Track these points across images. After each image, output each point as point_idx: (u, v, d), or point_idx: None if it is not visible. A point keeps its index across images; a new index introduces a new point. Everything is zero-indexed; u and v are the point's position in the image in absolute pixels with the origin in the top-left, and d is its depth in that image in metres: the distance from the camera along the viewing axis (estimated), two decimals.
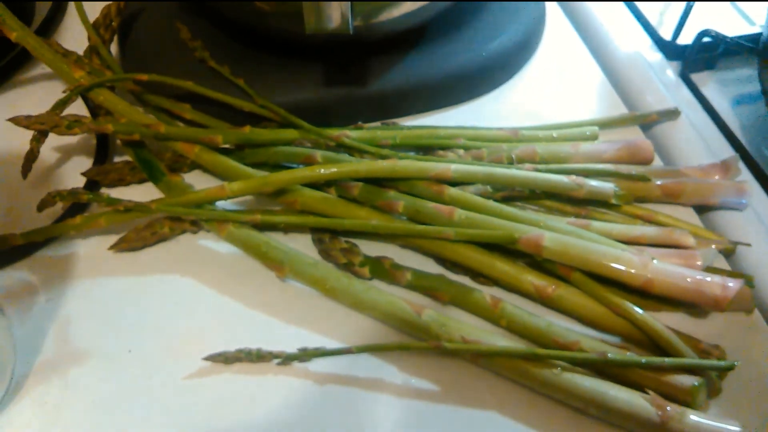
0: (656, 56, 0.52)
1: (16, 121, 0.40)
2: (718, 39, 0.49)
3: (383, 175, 0.39)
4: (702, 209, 0.43)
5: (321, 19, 0.36)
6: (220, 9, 0.45)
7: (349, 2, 0.36)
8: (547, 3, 0.54)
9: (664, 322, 0.36)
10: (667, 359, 0.34)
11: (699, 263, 0.37)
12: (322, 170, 0.39)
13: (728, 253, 0.41)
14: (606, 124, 0.46)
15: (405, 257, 0.40)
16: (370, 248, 0.40)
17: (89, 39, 0.45)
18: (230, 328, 0.38)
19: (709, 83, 0.51)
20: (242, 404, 0.35)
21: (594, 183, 0.40)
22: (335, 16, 0.36)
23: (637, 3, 0.56)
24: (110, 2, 0.46)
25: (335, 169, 0.39)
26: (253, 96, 0.43)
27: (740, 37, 0.50)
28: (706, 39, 0.50)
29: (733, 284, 0.35)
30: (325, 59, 0.46)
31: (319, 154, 0.41)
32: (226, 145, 0.42)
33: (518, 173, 0.40)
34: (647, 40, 0.53)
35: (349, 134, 0.42)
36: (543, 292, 0.37)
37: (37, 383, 0.36)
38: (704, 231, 0.41)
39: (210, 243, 0.41)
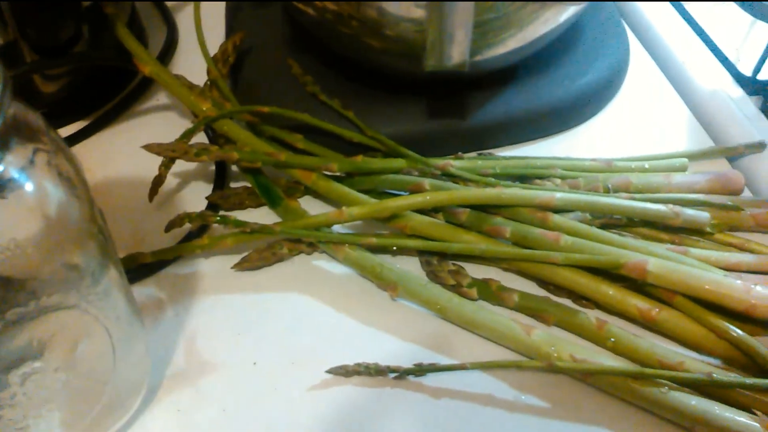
0: (737, 92, 0.54)
1: (149, 148, 0.44)
2: None
3: (490, 202, 0.42)
4: None
5: (442, 57, 0.39)
6: (330, 46, 0.49)
7: (470, 42, 0.39)
8: (630, 41, 0.56)
9: (765, 346, 0.38)
10: None
11: None
12: (434, 196, 0.41)
13: None
14: (695, 157, 0.48)
15: (508, 280, 0.42)
16: (475, 271, 0.43)
17: (208, 73, 0.49)
18: (348, 343, 0.40)
19: None
20: (361, 415, 0.38)
21: (690, 212, 0.42)
22: (456, 55, 0.39)
23: (714, 39, 0.58)
24: (227, 40, 0.50)
25: (447, 195, 0.42)
26: (363, 128, 0.46)
27: None
28: None
29: None
30: (427, 94, 0.49)
31: (426, 182, 0.44)
32: (339, 173, 0.45)
33: (618, 201, 0.42)
34: (727, 76, 0.55)
35: (453, 164, 0.45)
36: (647, 315, 0.39)
37: (170, 392, 0.39)
38: None
39: (324, 264, 0.44)
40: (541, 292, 0.42)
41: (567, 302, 0.41)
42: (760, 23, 0.58)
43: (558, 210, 0.42)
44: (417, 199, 0.42)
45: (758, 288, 0.38)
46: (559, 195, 0.42)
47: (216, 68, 0.49)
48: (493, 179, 0.44)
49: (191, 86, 0.48)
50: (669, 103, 0.53)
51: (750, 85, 0.54)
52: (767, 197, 0.46)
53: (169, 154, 0.44)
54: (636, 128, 0.52)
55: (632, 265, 0.39)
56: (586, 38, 0.53)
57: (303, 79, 0.49)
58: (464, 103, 0.49)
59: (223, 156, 0.44)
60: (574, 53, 0.52)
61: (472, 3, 0.37)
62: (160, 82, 0.46)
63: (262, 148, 0.45)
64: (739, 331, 0.37)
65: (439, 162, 0.45)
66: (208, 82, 0.49)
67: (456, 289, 0.41)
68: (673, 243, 0.43)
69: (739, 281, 0.38)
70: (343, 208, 0.42)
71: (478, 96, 0.49)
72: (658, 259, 0.39)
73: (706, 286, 0.38)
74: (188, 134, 0.45)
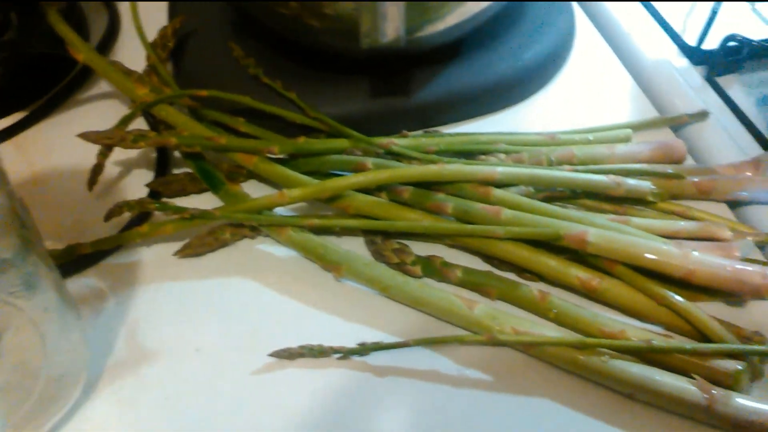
0: (682, 61, 0.54)
1: (85, 136, 0.43)
2: (744, 43, 0.52)
3: (433, 178, 0.42)
4: (734, 204, 0.45)
5: (376, 34, 0.39)
6: (271, 27, 0.48)
7: (404, 18, 0.39)
8: (576, 15, 0.56)
9: (704, 311, 0.38)
10: (710, 344, 0.36)
11: (737, 254, 0.39)
12: (376, 175, 0.41)
13: (763, 245, 0.43)
14: (638, 127, 0.48)
15: (452, 256, 0.42)
16: (420, 248, 0.42)
17: (148, 58, 0.48)
18: (291, 326, 0.40)
19: (734, 86, 0.53)
20: (306, 397, 0.37)
21: (632, 182, 0.42)
22: (390, 30, 0.39)
23: (660, 10, 0.58)
24: (168, 24, 0.49)
25: (388, 174, 0.41)
26: (306, 108, 0.45)
27: (765, 40, 0.52)
28: (731, 43, 0.52)
29: None
30: (370, 72, 0.48)
31: (369, 161, 0.43)
32: (281, 156, 0.45)
33: (560, 174, 0.42)
34: (672, 47, 0.56)
35: (397, 142, 0.44)
36: (588, 284, 0.39)
37: (111, 382, 0.38)
38: (739, 224, 0.43)
39: (268, 247, 0.43)
40: (486, 267, 0.42)
41: (511, 276, 0.41)
42: None
43: (501, 184, 0.42)
44: (358, 179, 0.41)
45: (696, 254, 0.38)
46: (500, 169, 0.41)
47: (155, 53, 0.48)
48: (436, 156, 0.44)
49: (128, 72, 0.47)
50: (615, 75, 0.53)
51: (695, 55, 0.54)
52: (710, 165, 0.46)
53: (105, 141, 0.43)
54: (582, 101, 0.52)
55: (572, 236, 0.39)
56: (531, 12, 0.53)
57: (245, 62, 0.48)
58: (408, 81, 0.48)
59: (161, 142, 0.43)
60: (518, 28, 0.51)
61: None
62: (96, 68, 0.45)
63: (202, 132, 0.44)
64: (679, 298, 0.38)
65: (383, 141, 0.44)
66: (148, 68, 0.48)
67: (400, 267, 0.41)
68: (616, 213, 0.43)
69: (677, 248, 0.38)
70: (284, 190, 0.41)
71: (422, 73, 0.49)
72: (597, 230, 0.39)
73: (646, 254, 0.38)
74: (125, 121, 0.44)
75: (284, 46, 0.50)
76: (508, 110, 0.51)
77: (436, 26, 0.46)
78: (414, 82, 0.48)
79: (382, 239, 0.42)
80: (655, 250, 0.38)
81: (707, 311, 0.38)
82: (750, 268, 0.37)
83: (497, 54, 0.50)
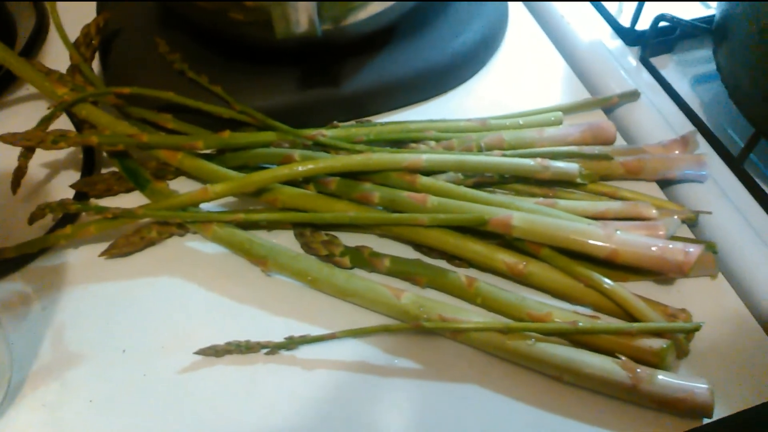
0: (616, 43, 0.54)
1: (2, 139, 0.42)
2: (675, 22, 0.52)
3: (358, 168, 0.41)
4: (665, 183, 0.45)
5: (289, 24, 0.38)
6: (196, 21, 0.47)
7: (316, 7, 0.38)
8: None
9: (632, 290, 0.38)
10: (635, 324, 0.36)
11: (662, 233, 0.39)
12: (300, 167, 0.41)
13: (691, 223, 0.43)
14: (570, 110, 0.48)
15: (384, 246, 0.42)
16: (350, 239, 0.42)
17: (71, 58, 0.47)
18: (220, 323, 0.40)
19: (668, 66, 0.53)
20: (234, 394, 0.37)
21: (559, 164, 0.42)
22: (303, 20, 0.38)
23: None
24: (90, 22, 0.48)
25: (312, 166, 0.41)
26: (231, 102, 0.44)
27: (695, 20, 0.52)
28: (663, 23, 0.52)
29: (693, 249, 0.37)
30: (299, 64, 0.48)
31: (296, 153, 0.43)
32: (208, 151, 0.44)
33: (486, 159, 0.42)
34: (607, 29, 0.56)
35: (325, 133, 0.44)
36: (515, 269, 0.39)
37: (35, 387, 0.38)
38: (667, 203, 0.43)
39: (197, 244, 0.43)
40: (417, 255, 0.41)
41: (442, 263, 0.41)
42: None
43: (428, 172, 0.42)
44: (281, 171, 0.41)
45: (620, 234, 0.38)
46: (426, 156, 0.41)
47: (78, 52, 0.47)
48: (365, 146, 0.43)
49: (48, 72, 0.45)
50: (549, 59, 0.53)
51: (629, 36, 0.55)
52: (642, 145, 0.46)
53: (23, 143, 0.42)
54: (516, 85, 0.51)
55: (497, 221, 0.39)
56: (460, 3, 0.52)
57: (171, 57, 0.47)
58: (338, 71, 0.48)
59: (82, 141, 0.42)
60: (450, 13, 0.51)
61: None
62: (11, 68, 0.44)
63: (125, 130, 0.43)
64: (604, 279, 0.38)
65: (310, 132, 0.44)
66: (71, 67, 0.47)
67: (330, 258, 0.41)
68: (546, 196, 0.43)
69: (601, 228, 0.38)
70: (207, 185, 0.41)
71: (352, 63, 0.48)
72: (522, 213, 0.39)
73: (570, 236, 0.38)
74: (44, 121, 0.43)
75: (212, 39, 0.49)
76: (441, 97, 0.51)
77: (361, 15, 0.45)
78: (344, 72, 0.48)
79: (311, 231, 0.42)
80: (578, 231, 0.38)
81: (636, 291, 0.39)
82: (672, 246, 0.37)
83: (428, 41, 0.50)
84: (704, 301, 0.39)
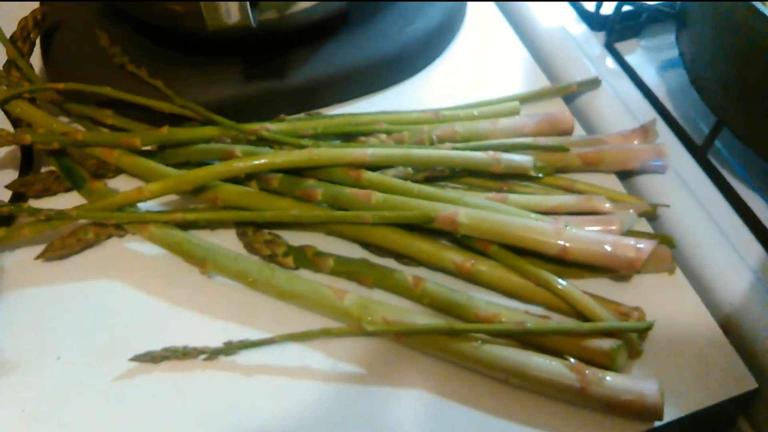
0: (581, 28, 0.53)
1: None
2: (638, 6, 0.50)
3: (300, 164, 0.39)
4: (625, 175, 0.43)
5: (220, 15, 0.37)
6: (135, 14, 0.45)
7: None
8: None
9: (587, 288, 0.37)
10: (584, 324, 0.35)
11: (615, 227, 0.37)
12: (239, 164, 0.39)
13: (651, 216, 0.41)
14: (527, 99, 0.46)
15: (332, 244, 0.40)
16: (297, 238, 0.40)
17: (7, 52, 0.45)
18: (158, 328, 0.38)
19: (634, 51, 0.51)
20: (172, 401, 0.36)
21: (512, 157, 0.41)
22: (233, 11, 0.36)
23: None
24: (28, 15, 0.46)
25: (252, 162, 0.39)
26: (172, 96, 0.43)
27: (659, 4, 0.50)
28: (627, 8, 0.51)
29: (645, 245, 0.36)
30: (244, 55, 0.46)
31: (238, 149, 0.41)
32: (148, 147, 0.42)
33: (435, 152, 0.40)
34: (573, 14, 0.54)
35: (270, 127, 0.42)
36: (462, 267, 0.37)
37: None
38: (624, 196, 0.41)
39: (137, 246, 0.41)
40: (364, 254, 0.40)
41: (390, 262, 0.39)
42: None
43: (374, 167, 0.40)
44: (220, 169, 0.39)
45: (571, 229, 0.36)
46: (371, 151, 0.39)
47: (15, 46, 0.45)
48: (311, 140, 0.42)
49: None
50: (509, 46, 0.51)
51: (594, 21, 0.53)
52: (602, 135, 0.44)
53: None
54: (474, 76, 0.49)
55: (443, 218, 0.37)
56: None
57: (111, 51, 0.45)
58: (285, 62, 0.46)
59: (14, 140, 0.40)
60: (402, 2, 0.49)
61: None
62: None
63: (61, 128, 0.42)
64: (553, 277, 0.36)
65: (254, 126, 0.42)
66: (7, 63, 0.45)
67: (273, 259, 0.39)
68: (500, 190, 0.41)
69: (551, 224, 0.36)
70: (143, 184, 0.39)
71: (299, 53, 0.46)
72: (468, 210, 0.37)
73: (517, 233, 0.36)
74: None
75: (155, 32, 0.47)
76: (396, 87, 0.49)
77: (307, 2, 0.43)
78: (291, 63, 0.46)
79: (254, 231, 0.40)
80: (527, 228, 0.36)
81: (590, 288, 0.37)
82: (623, 242, 0.36)
83: (381, 28, 0.48)
84: (661, 297, 0.38)
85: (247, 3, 0.36)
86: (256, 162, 0.39)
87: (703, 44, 0.43)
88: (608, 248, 0.35)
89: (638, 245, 0.35)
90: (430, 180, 0.41)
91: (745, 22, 0.38)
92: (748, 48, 0.39)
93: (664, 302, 0.38)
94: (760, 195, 0.42)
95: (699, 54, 0.44)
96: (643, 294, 0.38)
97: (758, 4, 0.36)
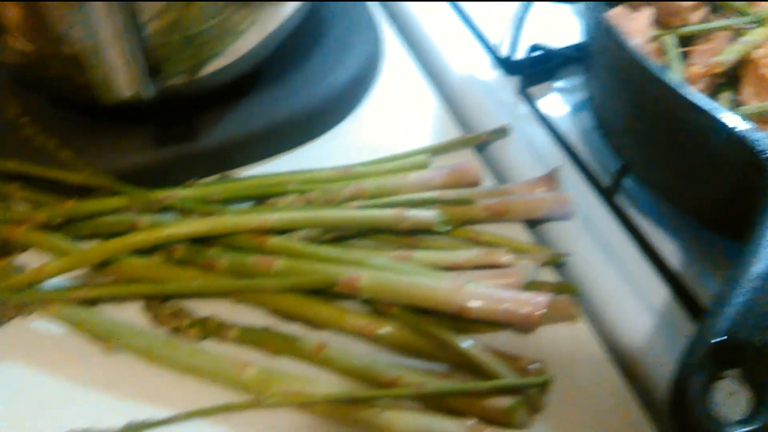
0: (496, 74, 0.53)
1: None
2: (547, 51, 0.51)
3: (203, 233, 0.39)
4: (534, 222, 0.44)
5: (113, 89, 0.37)
6: (39, 83, 0.45)
7: (141, 68, 0.37)
8: (385, 36, 0.55)
9: (492, 342, 0.37)
10: (480, 383, 0.35)
11: (514, 280, 0.38)
12: (139, 237, 0.39)
13: (557, 264, 0.41)
14: (439, 150, 0.47)
15: (240, 311, 0.40)
16: (207, 307, 0.40)
17: None
18: (61, 410, 0.37)
19: (547, 95, 0.52)
20: None
21: (417, 213, 0.41)
22: (125, 85, 0.36)
23: (479, 24, 0.57)
24: None
25: (154, 234, 0.39)
26: (80, 166, 0.43)
27: (568, 48, 0.51)
28: (537, 52, 0.51)
29: (542, 299, 0.36)
30: (156, 120, 0.46)
31: (144, 219, 0.41)
32: (59, 220, 0.42)
33: (339, 214, 0.40)
34: (488, 59, 0.54)
35: (178, 194, 0.42)
36: (367, 331, 0.37)
37: None
38: (528, 246, 0.41)
39: (43, 324, 0.40)
40: (272, 320, 0.40)
41: (296, 327, 0.39)
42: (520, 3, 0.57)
43: (280, 231, 0.40)
44: (119, 244, 0.39)
45: (470, 287, 0.36)
46: (274, 216, 0.40)
47: None
48: (219, 206, 0.42)
49: None
50: (424, 97, 0.52)
51: (508, 66, 0.53)
52: (512, 183, 0.45)
53: None
54: (389, 128, 0.50)
55: (345, 282, 0.37)
56: (331, 36, 0.51)
57: (20, 121, 0.45)
58: (197, 125, 0.46)
59: None
60: (317, 56, 0.50)
61: (128, 36, 0.35)
62: None
63: None
64: (449, 336, 0.36)
65: (160, 195, 0.42)
66: None
67: (178, 331, 0.39)
68: (408, 246, 0.41)
69: (451, 283, 0.37)
70: (43, 263, 0.39)
71: (212, 114, 0.46)
72: (370, 273, 0.37)
73: (417, 294, 0.36)
74: None
75: (65, 99, 0.47)
76: (313, 142, 0.49)
77: (218, 63, 0.44)
78: (204, 125, 0.46)
79: (160, 303, 0.40)
80: (426, 289, 0.36)
81: (496, 342, 0.37)
82: (520, 297, 0.36)
83: (295, 85, 0.48)
84: (564, 347, 0.38)
85: (142, 75, 0.36)
86: (158, 234, 0.39)
87: (604, 90, 0.44)
88: (505, 305, 0.36)
89: (535, 299, 0.36)
90: (339, 239, 0.42)
91: (633, 77, 0.38)
92: (639, 98, 0.40)
93: (568, 352, 0.38)
94: (669, 236, 0.43)
95: (602, 99, 0.45)
96: (547, 345, 0.38)
97: (646, 60, 0.37)
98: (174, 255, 0.40)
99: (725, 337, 0.27)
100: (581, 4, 0.40)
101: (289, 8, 0.44)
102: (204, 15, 0.40)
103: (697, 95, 0.35)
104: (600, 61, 0.44)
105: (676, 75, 0.45)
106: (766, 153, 0.33)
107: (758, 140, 0.33)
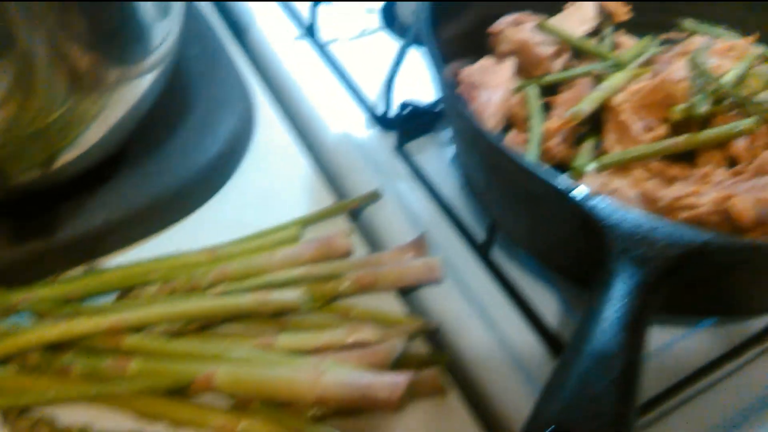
0: (372, 132, 0.53)
1: None
2: (414, 107, 0.51)
3: (57, 339, 0.38)
4: (406, 290, 0.43)
5: None
6: None
7: None
8: (259, 100, 0.54)
9: (358, 427, 0.36)
10: None
11: (380, 358, 0.37)
12: None
13: (430, 332, 0.41)
14: (310, 221, 0.46)
15: (105, 415, 0.38)
16: (70, 413, 0.38)
17: None
18: None
19: (423, 151, 0.52)
20: None
21: (281, 296, 0.40)
22: None
23: (357, 82, 0.56)
24: None
25: (7, 344, 0.37)
26: None
27: (433, 103, 0.51)
28: (408, 109, 0.51)
29: (401, 380, 0.35)
30: (14, 214, 0.44)
31: None
32: None
33: (198, 305, 0.39)
34: (364, 117, 0.54)
35: (36, 294, 0.41)
36: (226, 429, 0.36)
37: None
38: (398, 318, 0.41)
39: None
40: (138, 423, 0.38)
41: (161, 427, 0.38)
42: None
43: (139, 327, 0.39)
44: None
45: (328, 375, 0.36)
46: (130, 314, 0.38)
47: None
48: (78, 305, 0.40)
49: None
50: (297, 165, 0.51)
51: (384, 123, 0.53)
52: (385, 249, 0.44)
53: None
54: (263, 199, 0.49)
55: (201, 380, 0.36)
56: (196, 113, 0.50)
57: None
58: (56, 216, 0.44)
59: None
60: (180, 135, 0.48)
61: None
62: None
63: None
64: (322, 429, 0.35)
65: (16, 298, 0.40)
66: None
67: None
68: (277, 328, 0.40)
69: (310, 371, 0.36)
70: None
71: (71, 204, 0.45)
72: (226, 368, 0.36)
73: (275, 386, 0.36)
74: None
75: None
76: (184, 222, 0.48)
77: (73, 152, 0.42)
78: (61, 217, 0.44)
79: (18, 414, 0.38)
80: (283, 381, 0.35)
81: (363, 427, 0.37)
82: (378, 381, 0.35)
83: (159, 166, 0.47)
84: (435, 424, 0.37)
85: None
86: (12, 343, 0.37)
87: (462, 149, 0.44)
88: (363, 390, 0.35)
89: (395, 380, 0.35)
90: (204, 327, 0.40)
91: (477, 142, 0.39)
92: (485, 162, 0.40)
93: (440, 427, 0.37)
94: (545, 289, 0.43)
95: (463, 157, 0.45)
96: (414, 424, 0.37)
97: (482, 128, 0.37)
98: (28, 362, 0.38)
99: (553, 427, 0.27)
100: (427, 63, 0.40)
101: (141, 89, 0.43)
102: (46, 107, 0.39)
103: (531, 162, 0.35)
104: (451, 122, 0.44)
105: (534, 129, 0.45)
106: (602, 219, 0.33)
107: (593, 207, 0.33)
